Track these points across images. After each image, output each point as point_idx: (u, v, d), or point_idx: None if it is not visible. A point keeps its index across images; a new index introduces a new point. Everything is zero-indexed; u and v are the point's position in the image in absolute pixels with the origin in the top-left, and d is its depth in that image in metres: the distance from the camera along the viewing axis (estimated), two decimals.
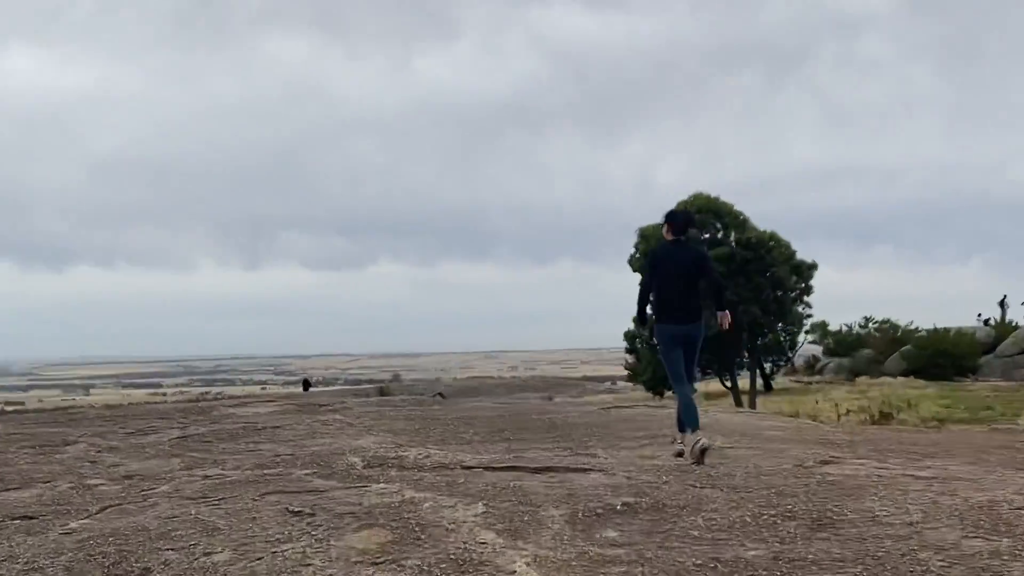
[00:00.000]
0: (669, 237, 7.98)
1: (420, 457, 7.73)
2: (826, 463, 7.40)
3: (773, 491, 6.12)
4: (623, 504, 5.74)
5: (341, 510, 5.75)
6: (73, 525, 5.80)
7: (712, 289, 7.96)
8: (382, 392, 33.27)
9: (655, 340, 8.15)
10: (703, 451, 7.30)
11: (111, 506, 6.40)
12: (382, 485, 6.52)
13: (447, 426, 10.27)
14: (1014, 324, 46.62)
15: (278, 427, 10.21)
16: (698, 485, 6.34)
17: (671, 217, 8.05)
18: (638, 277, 30.30)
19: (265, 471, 7.40)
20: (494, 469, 7.11)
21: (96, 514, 6.20)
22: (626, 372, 45.03)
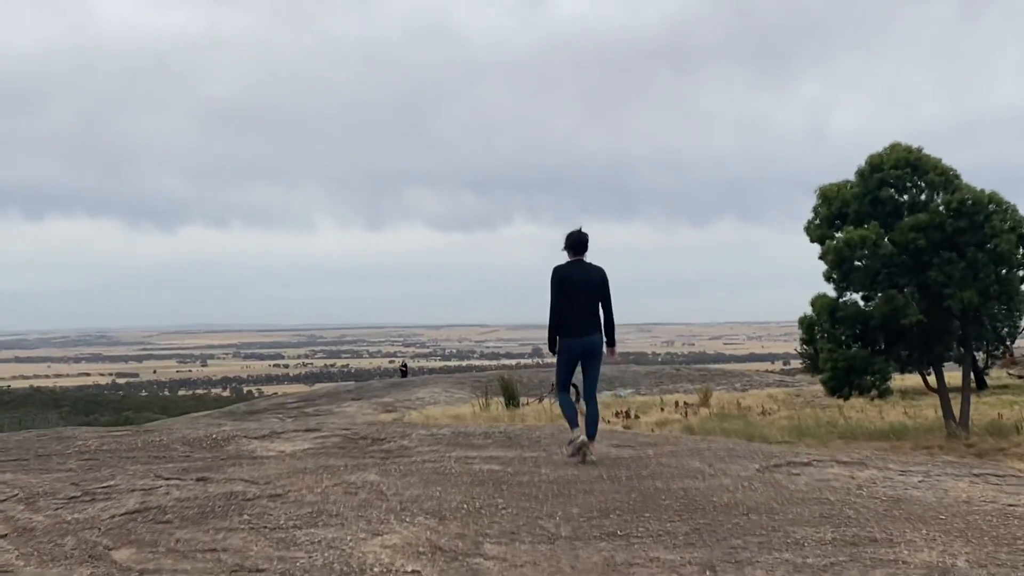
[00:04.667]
0: (570, 258, 9.21)
1: None
2: None
3: None
4: None
5: None
6: None
7: (606, 322, 9.28)
8: (504, 386, 30.90)
9: (556, 353, 9.29)
10: (579, 448, 9.14)
11: None
12: None
13: (528, 499, 7.57)
14: None
15: (278, 496, 7.69)
16: None
17: (570, 240, 9.20)
18: (816, 248, 26.85)
19: None
20: None
21: None
22: (801, 360, 41.57)
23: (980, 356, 35.95)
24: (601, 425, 9.90)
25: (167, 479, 8.57)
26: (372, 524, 6.74)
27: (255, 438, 11.01)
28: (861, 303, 26.42)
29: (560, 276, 9.11)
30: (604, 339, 9.29)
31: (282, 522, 6.87)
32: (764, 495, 7.67)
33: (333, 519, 6.89)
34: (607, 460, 9.36)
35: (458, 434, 11.31)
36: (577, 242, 9.19)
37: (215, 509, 7.31)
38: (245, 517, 7.05)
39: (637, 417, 28.38)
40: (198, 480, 8.48)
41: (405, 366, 51.93)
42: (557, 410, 30.95)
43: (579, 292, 9.05)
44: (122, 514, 7.25)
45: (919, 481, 8.44)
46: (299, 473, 8.65)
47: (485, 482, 8.20)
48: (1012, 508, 7.45)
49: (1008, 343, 36.13)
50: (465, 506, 7.29)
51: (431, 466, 8.98)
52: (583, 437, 9.12)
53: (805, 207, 28.68)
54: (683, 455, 9.56)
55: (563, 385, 9.39)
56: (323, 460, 9.48)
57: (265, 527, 6.76)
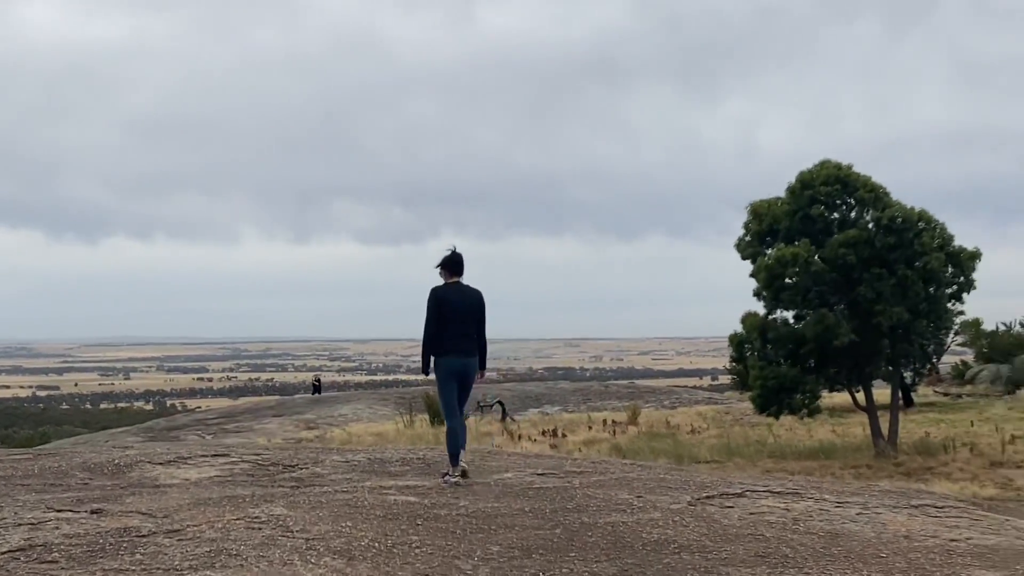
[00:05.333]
0: (446, 279, 9.34)
1: None
2: None
3: None
4: None
5: None
6: None
7: (480, 346, 9.42)
8: (429, 403, 30.51)
9: (433, 374, 9.40)
10: (463, 473, 9.20)
11: None
12: None
13: (445, 535, 7.12)
14: None
15: (176, 531, 7.16)
16: None
17: (445, 261, 9.33)
18: (747, 265, 26.77)
19: None
20: None
21: None
22: (730, 378, 41.69)
23: (907, 374, 36.33)
24: (528, 445, 9.57)
25: (59, 511, 8.00)
26: (274, 565, 6.25)
27: (160, 464, 10.45)
28: (792, 320, 26.40)
29: (439, 298, 9.21)
30: (479, 368, 9.48)
31: (176, 563, 6.35)
32: (696, 531, 7.29)
33: (232, 559, 6.39)
34: (530, 491, 8.94)
35: (374, 461, 10.83)
36: (452, 263, 9.34)
37: (106, 547, 6.77)
38: (138, 556, 6.52)
39: (564, 436, 28.04)
40: (92, 513, 7.92)
41: (319, 381, 48.98)
42: (483, 428, 30.53)
43: (457, 315, 9.17)
44: (3, 553, 6.68)
45: (857, 514, 8.12)
46: (201, 505, 8.12)
47: (399, 516, 7.73)
48: (954, 544, 7.15)
49: (934, 360, 36.43)
50: (377, 544, 6.82)
51: (343, 497, 8.49)
52: (460, 479, 9.16)
53: (734, 223, 28.80)
54: (611, 485, 9.17)
55: (451, 408, 9.34)
56: (229, 490, 8.96)
57: (158, 568, 6.24)
